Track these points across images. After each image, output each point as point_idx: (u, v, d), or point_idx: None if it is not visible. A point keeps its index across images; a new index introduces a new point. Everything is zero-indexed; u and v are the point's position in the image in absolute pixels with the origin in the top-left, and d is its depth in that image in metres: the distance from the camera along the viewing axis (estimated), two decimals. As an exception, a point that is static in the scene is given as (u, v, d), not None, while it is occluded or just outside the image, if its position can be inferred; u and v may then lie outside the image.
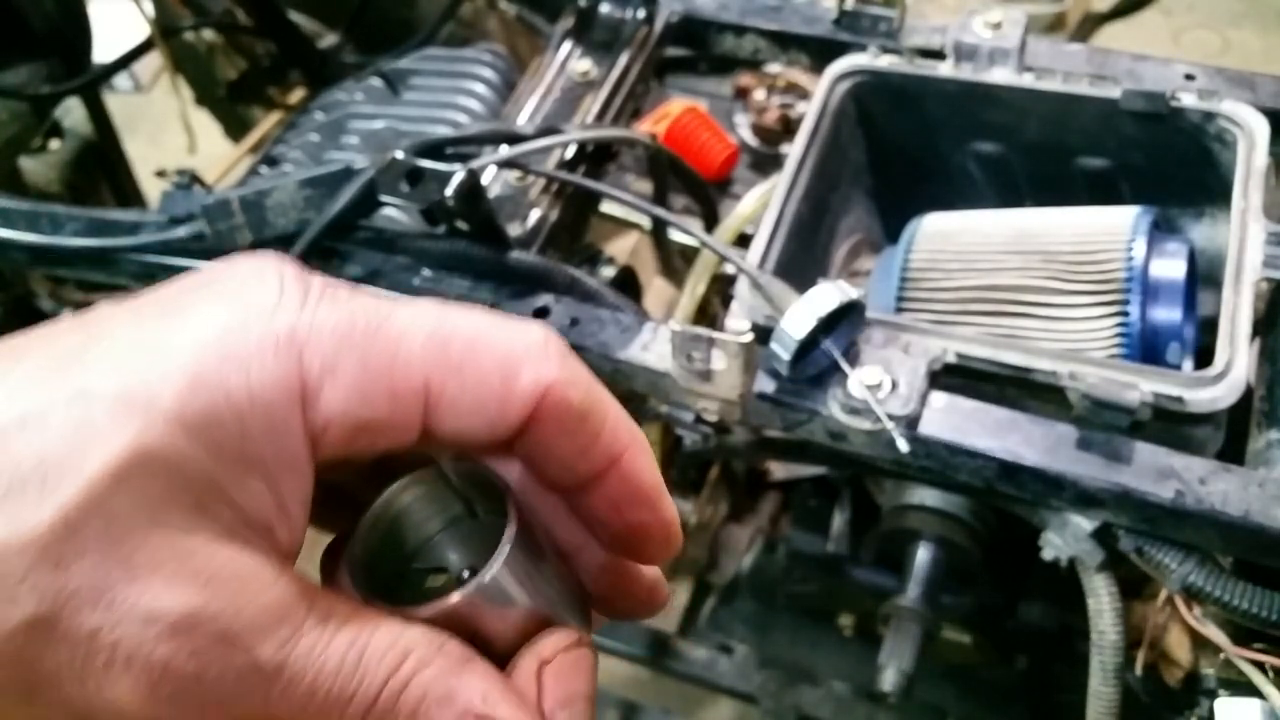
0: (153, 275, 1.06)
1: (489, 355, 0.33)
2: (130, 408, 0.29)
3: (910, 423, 0.83)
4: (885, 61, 1.09)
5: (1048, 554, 0.90)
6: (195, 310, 0.31)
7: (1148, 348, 0.92)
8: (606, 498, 0.36)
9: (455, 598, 0.33)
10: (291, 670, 0.30)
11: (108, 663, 0.28)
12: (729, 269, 1.07)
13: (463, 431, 0.34)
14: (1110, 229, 0.96)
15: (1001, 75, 1.06)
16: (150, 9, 1.49)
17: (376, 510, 0.36)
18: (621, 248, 1.17)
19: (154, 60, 1.69)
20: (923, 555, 1.15)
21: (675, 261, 1.20)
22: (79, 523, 0.28)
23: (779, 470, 1.41)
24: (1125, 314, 0.92)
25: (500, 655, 0.35)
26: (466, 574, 0.35)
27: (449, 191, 0.92)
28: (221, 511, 0.30)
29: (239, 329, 0.31)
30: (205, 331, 0.30)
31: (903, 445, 0.83)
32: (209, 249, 1.03)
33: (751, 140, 1.23)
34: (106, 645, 0.28)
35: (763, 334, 0.86)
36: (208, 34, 1.60)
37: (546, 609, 0.36)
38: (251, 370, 0.30)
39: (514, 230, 1.06)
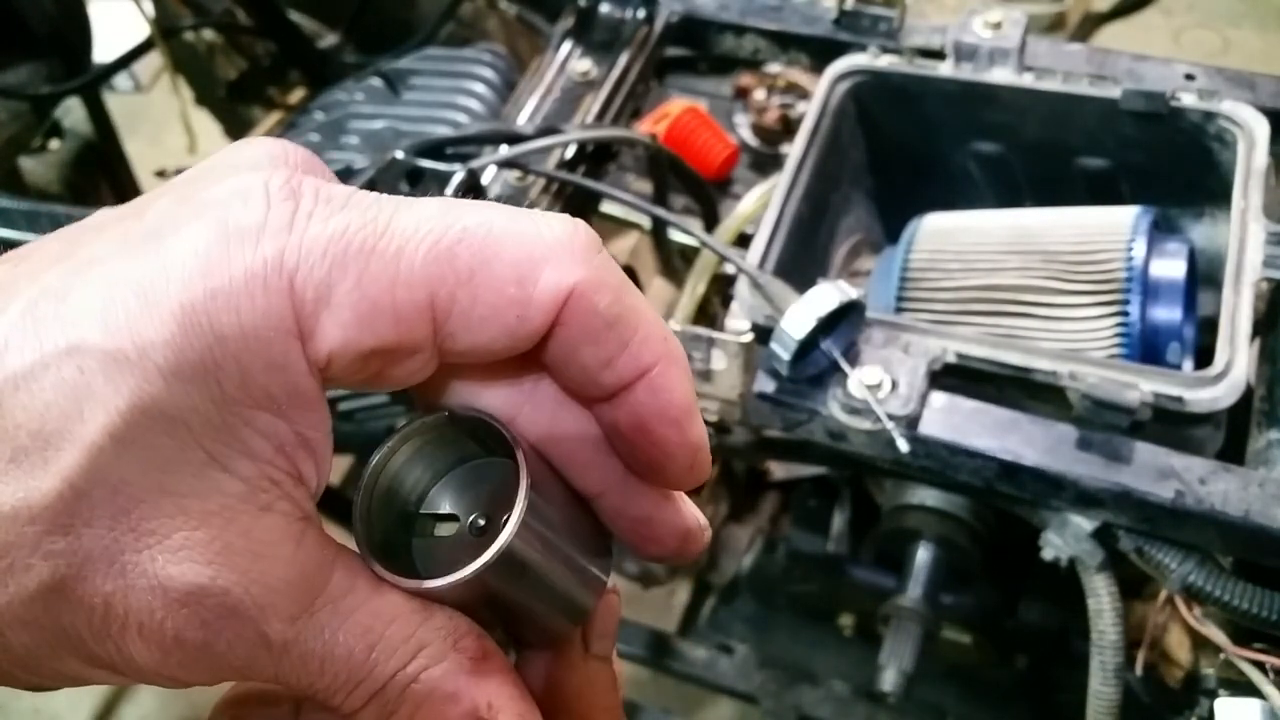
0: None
1: (502, 259, 0.30)
2: (123, 365, 0.27)
3: (910, 423, 0.83)
4: (885, 61, 1.09)
5: (1048, 554, 0.90)
6: (180, 235, 0.29)
7: (1148, 348, 0.92)
8: (632, 412, 0.33)
9: (471, 570, 0.31)
10: (301, 648, 0.30)
11: (122, 628, 0.29)
12: (729, 269, 1.07)
13: (479, 345, 0.31)
14: (1110, 229, 0.96)
15: (1001, 75, 1.06)
16: (150, 9, 1.49)
17: (382, 457, 0.34)
18: (621, 248, 1.17)
19: (154, 60, 1.69)
20: (923, 555, 1.15)
21: (675, 261, 1.20)
22: (85, 490, 0.27)
23: (779, 470, 1.41)
24: (1125, 314, 0.92)
25: (526, 620, 0.35)
26: (482, 522, 0.34)
27: (449, 192, 0.92)
28: (242, 466, 0.29)
29: (223, 262, 0.28)
30: (191, 265, 0.28)
31: (903, 445, 0.83)
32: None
33: (751, 140, 1.23)
34: (119, 613, 0.28)
35: (763, 334, 0.86)
36: (208, 34, 1.60)
37: (563, 564, 0.35)
38: (241, 309, 0.28)
39: (514, 230, 1.05)
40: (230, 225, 0.29)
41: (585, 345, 0.32)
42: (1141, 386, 0.81)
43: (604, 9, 1.25)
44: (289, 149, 0.32)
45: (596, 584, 0.37)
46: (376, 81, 1.34)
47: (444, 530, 0.36)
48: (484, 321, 0.30)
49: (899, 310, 1.01)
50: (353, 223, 0.29)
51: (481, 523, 0.35)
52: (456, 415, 0.35)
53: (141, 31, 1.47)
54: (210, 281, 0.28)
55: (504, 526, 0.31)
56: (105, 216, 0.31)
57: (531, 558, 0.33)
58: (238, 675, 0.31)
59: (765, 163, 1.23)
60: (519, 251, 0.30)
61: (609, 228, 1.19)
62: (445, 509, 0.36)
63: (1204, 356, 0.88)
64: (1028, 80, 1.05)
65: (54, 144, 1.65)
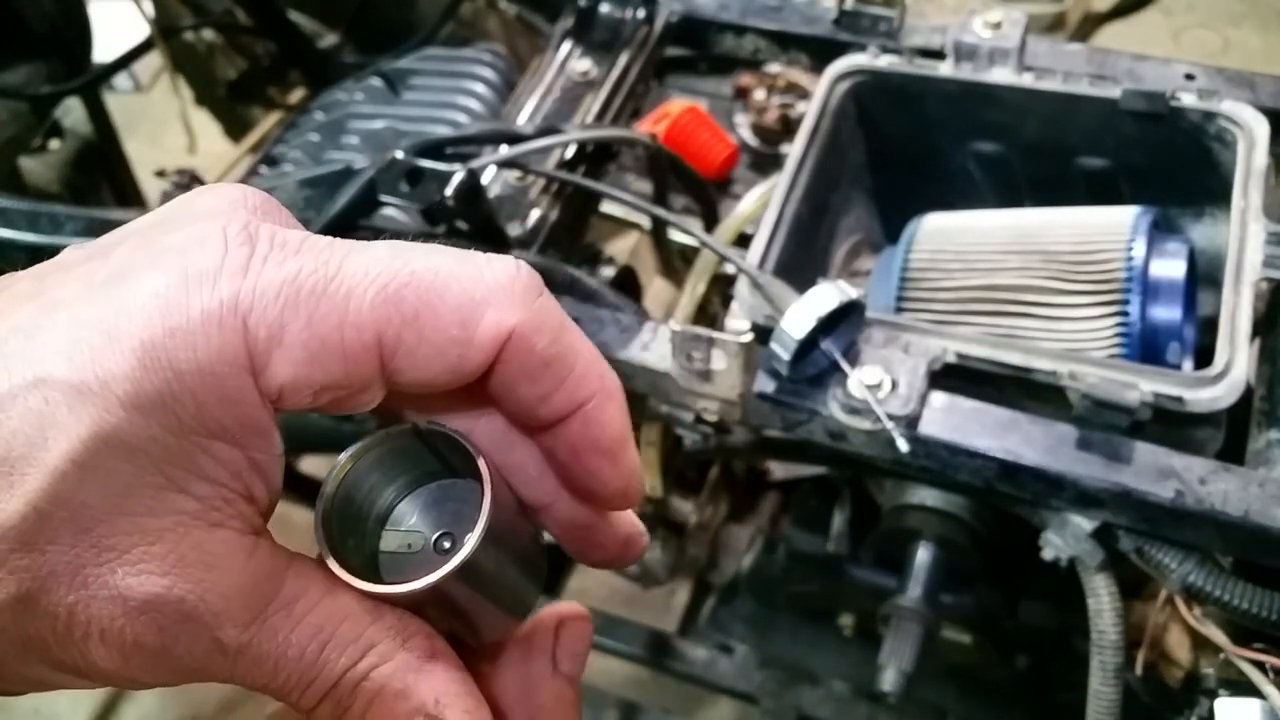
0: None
1: (446, 301, 0.32)
2: (85, 396, 0.29)
3: (910, 422, 0.83)
4: (885, 61, 1.09)
5: (1048, 554, 0.90)
6: (141, 278, 0.31)
7: (1148, 347, 0.92)
8: (567, 443, 0.36)
9: (429, 580, 0.33)
10: (254, 652, 0.32)
11: (85, 635, 0.31)
12: (729, 269, 1.07)
13: (423, 381, 0.33)
14: (1110, 229, 0.96)
15: (1001, 75, 1.06)
16: (150, 9, 1.49)
17: (345, 464, 0.35)
18: (621, 248, 1.17)
19: (154, 60, 1.69)
20: (923, 555, 1.15)
21: (675, 261, 1.20)
22: (48, 513, 0.29)
23: (779, 470, 1.41)
24: (1125, 314, 0.92)
25: (477, 622, 0.37)
26: (447, 544, 0.36)
27: (449, 191, 0.92)
28: (197, 486, 0.31)
29: (182, 303, 0.30)
30: (151, 305, 0.30)
31: (903, 445, 0.83)
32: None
33: (751, 140, 1.23)
34: (82, 621, 0.30)
35: (763, 334, 0.86)
36: (208, 34, 1.60)
37: (512, 570, 0.37)
38: (198, 347, 0.30)
39: (514, 230, 1.06)
40: (189, 269, 0.31)
41: (523, 382, 0.34)
42: (1141, 386, 0.81)
43: (604, 9, 1.25)
44: (247, 194, 0.34)
45: (538, 583, 0.40)
46: (376, 81, 1.34)
47: (403, 536, 0.37)
48: (428, 360, 0.33)
49: (899, 310, 1.01)
50: (305, 266, 0.32)
51: (440, 534, 0.37)
52: (421, 429, 0.36)
53: (141, 31, 1.47)
54: (169, 321, 0.30)
55: (465, 542, 0.33)
56: (72, 256, 0.34)
57: (486, 569, 0.35)
58: (195, 677, 0.32)
59: (765, 163, 1.23)
60: (463, 294, 0.33)
61: (609, 228, 1.19)
62: (406, 515, 0.37)
63: (1204, 356, 0.88)
64: (1028, 80, 1.05)
65: (54, 144, 1.65)
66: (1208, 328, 0.94)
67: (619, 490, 0.37)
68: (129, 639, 0.31)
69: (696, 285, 1.09)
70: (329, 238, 0.33)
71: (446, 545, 0.36)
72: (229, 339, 0.30)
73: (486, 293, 0.33)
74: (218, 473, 0.32)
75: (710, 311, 1.12)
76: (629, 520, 0.41)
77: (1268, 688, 0.81)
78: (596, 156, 1.13)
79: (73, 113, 1.66)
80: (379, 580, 0.34)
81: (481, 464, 0.35)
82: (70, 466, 0.29)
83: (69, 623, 0.30)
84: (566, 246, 1.11)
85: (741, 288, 0.93)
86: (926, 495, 1.13)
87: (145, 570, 0.30)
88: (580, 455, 0.36)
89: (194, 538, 0.31)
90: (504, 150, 1.02)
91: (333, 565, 0.33)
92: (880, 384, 0.83)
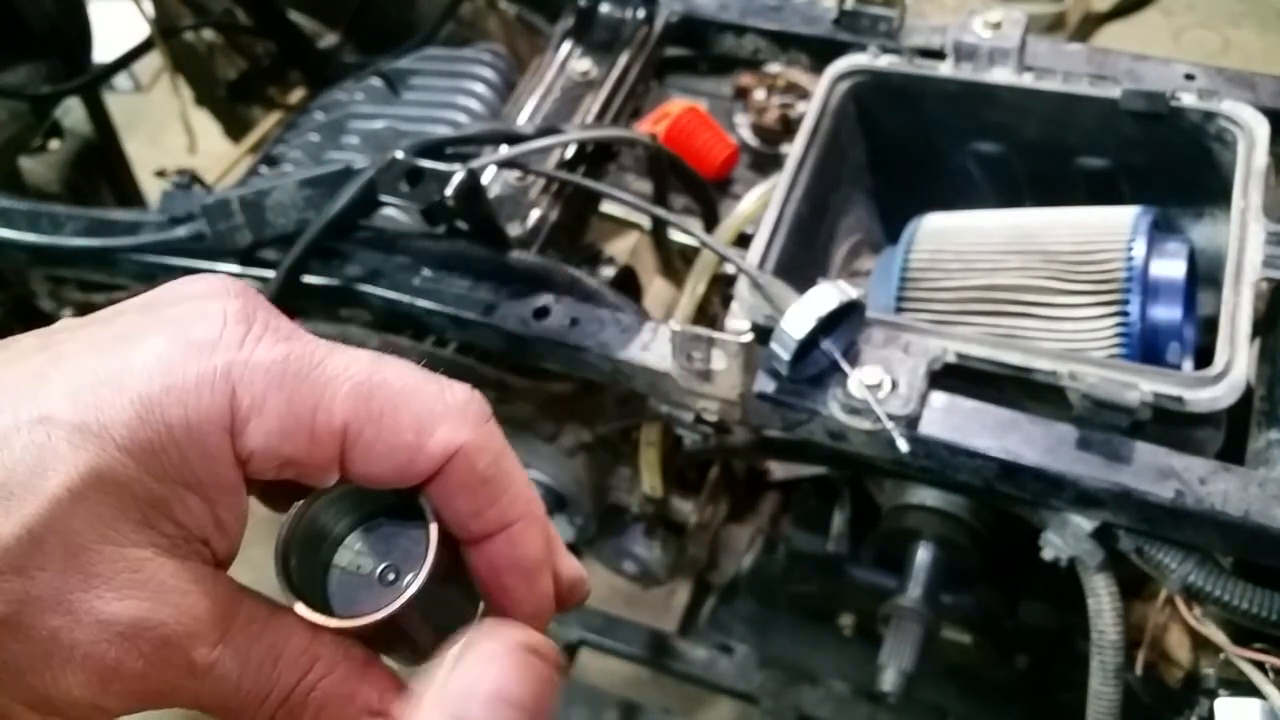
0: (153, 275, 1.06)
1: (408, 410, 0.37)
2: (86, 436, 0.32)
3: (910, 423, 0.83)
4: (885, 61, 1.09)
5: (1048, 554, 0.90)
6: (145, 341, 0.35)
7: (1148, 347, 0.92)
8: (489, 560, 0.39)
9: (383, 613, 0.36)
10: (221, 670, 0.35)
11: (66, 659, 0.32)
12: (729, 269, 1.07)
13: (372, 475, 0.37)
14: (1110, 229, 0.96)
15: (1001, 75, 1.06)
16: (150, 9, 1.49)
17: (299, 510, 0.39)
18: (621, 248, 1.17)
19: (154, 60, 1.69)
20: (923, 555, 1.15)
21: (675, 261, 1.20)
22: (41, 537, 0.32)
23: (779, 470, 1.40)
24: (1125, 314, 0.92)
25: (419, 649, 0.39)
26: (391, 575, 0.39)
27: (449, 191, 0.92)
28: (165, 526, 0.34)
29: (180, 365, 0.34)
30: (152, 365, 0.34)
31: (903, 445, 0.83)
32: (209, 249, 1.03)
33: (751, 140, 1.23)
34: (65, 645, 0.32)
35: (763, 334, 0.86)
36: (208, 34, 1.60)
37: (447, 607, 0.39)
38: (189, 405, 0.34)
39: (514, 230, 1.06)
40: (189, 338, 0.35)
41: (461, 495, 0.38)
42: (1141, 386, 0.81)
43: (604, 9, 1.25)
44: (232, 285, 0.38)
45: (469, 616, 0.42)
46: (376, 81, 1.34)
47: (354, 557, 0.40)
48: (381, 457, 0.36)
49: (899, 310, 1.01)
50: (294, 352, 0.36)
51: (385, 567, 0.40)
52: None
53: (141, 31, 1.47)
54: (167, 380, 0.34)
55: (407, 587, 0.37)
56: (72, 323, 0.37)
57: (423, 607, 0.37)
58: (163, 701, 0.35)
59: (765, 163, 1.23)
60: (423, 407, 0.37)
61: (609, 228, 1.19)
62: (358, 541, 0.40)
63: (1204, 356, 0.88)
64: (1028, 80, 1.05)
65: (54, 144, 1.65)
66: (1208, 328, 0.94)
67: (531, 612, 0.40)
68: (110, 663, 0.32)
69: (696, 285, 1.09)
70: (313, 335, 0.37)
71: (391, 577, 0.39)
72: (217, 401, 0.34)
73: (444, 410, 0.37)
74: (186, 519, 0.35)
75: (710, 311, 1.12)
76: (572, 568, 0.43)
77: (1268, 688, 0.81)
78: (596, 156, 1.13)
79: (73, 113, 1.66)
80: (327, 601, 0.38)
81: (428, 514, 0.38)
82: (66, 495, 0.32)
83: (50, 647, 0.32)
84: (566, 246, 1.11)
85: (741, 288, 0.93)
86: (926, 495, 1.13)
87: (129, 596, 0.33)
88: (500, 573, 0.39)
89: (169, 567, 0.34)
90: (504, 150, 1.02)
91: (291, 600, 0.37)
92: (880, 384, 0.83)
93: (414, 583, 0.37)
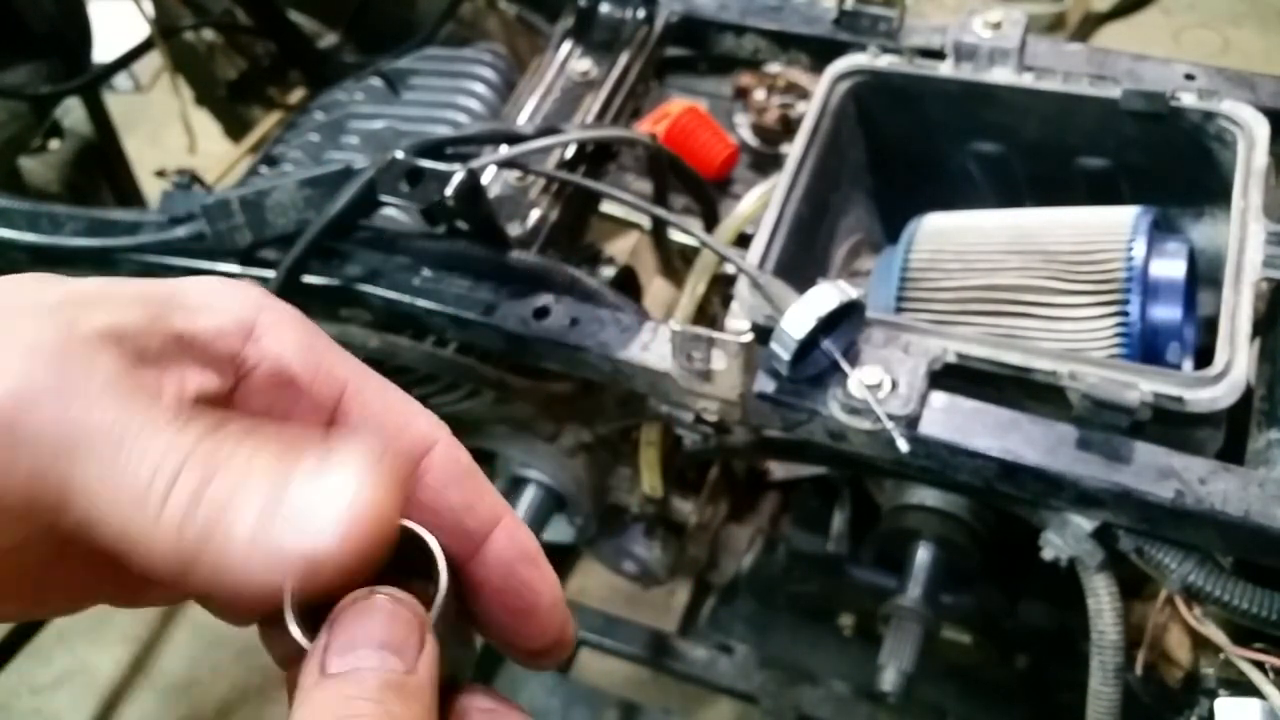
0: (153, 275, 1.06)
1: (397, 395, 0.40)
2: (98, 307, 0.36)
3: (910, 423, 0.83)
4: (885, 61, 1.09)
5: (1048, 554, 0.90)
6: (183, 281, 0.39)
7: (1148, 347, 0.92)
8: (498, 557, 0.39)
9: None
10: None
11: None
12: (729, 269, 1.07)
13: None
14: (1110, 229, 0.96)
15: (1001, 75, 1.06)
16: (150, 9, 1.49)
17: None
18: (621, 248, 1.17)
19: (154, 60, 1.69)
20: (923, 555, 1.15)
21: (675, 261, 1.20)
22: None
23: (779, 470, 1.41)
24: (1125, 314, 0.92)
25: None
26: None
27: (449, 191, 0.92)
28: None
29: (216, 283, 0.39)
30: (189, 283, 0.38)
31: (903, 445, 0.83)
32: (209, 249, 1.03)
33: (751, 140, 1.23)
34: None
35: (763, 334, 0.86)
36: (208, 34, 1.60)
37: (460, 655, 0.39)
38: (213, 301, 0.38)
39: (514, 230, 1.06)
40: (225, 281, 0.40)
41: (452, 487, 0.38)
42: (1141, 386, 0.80)
43: (604, 9, 1.25)
44: (244, 284, 0.41)
45: (471, 663, 0.42)
46: (376, 81, 1.34)
47: None
48: (374, 419, 0.38)
49: (899, 310, 1.01)
50: (323, 354, 0.39)
51: None
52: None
53: (141, 31, 1.47)
54: (203, 287, 0.39)
55: (433, 597, 0.36)
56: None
57: (441, 631, 0.37)
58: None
59: (765, 163, 1.23)
60: (405, 400, 0.39)
61: (609, 228, 1.19)
62: None
63: (1204, 356, 0.88)
64: (1028, 80, 1.05)
65: (54, 144, 1.65)
66: (1208, 328, 0.94)
67: (551, 602, 0.39)
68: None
69: (696, 285, 1.09)
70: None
71: None
72: (246, 307, 0.38)
73: (420, 409, 0.40)
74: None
75: (710, 311, 1.12)
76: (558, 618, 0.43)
77: (1268, 688, 0.81)
78: (596, 156, 1.13)
79: (73, 113, 1.66)
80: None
81: (435, 546, 0.38)
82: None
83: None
84: (566, 246, 1.11)
85: (741, 288, 0.93)
86: (926, 495, 1.13)
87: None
88: (513, 567, 0.39)
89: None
90: (504, 150, 1.02)
91: (292, 628, 0.35)
92: (880, 384, 0.83)
93: (436, 595, 0.36)
